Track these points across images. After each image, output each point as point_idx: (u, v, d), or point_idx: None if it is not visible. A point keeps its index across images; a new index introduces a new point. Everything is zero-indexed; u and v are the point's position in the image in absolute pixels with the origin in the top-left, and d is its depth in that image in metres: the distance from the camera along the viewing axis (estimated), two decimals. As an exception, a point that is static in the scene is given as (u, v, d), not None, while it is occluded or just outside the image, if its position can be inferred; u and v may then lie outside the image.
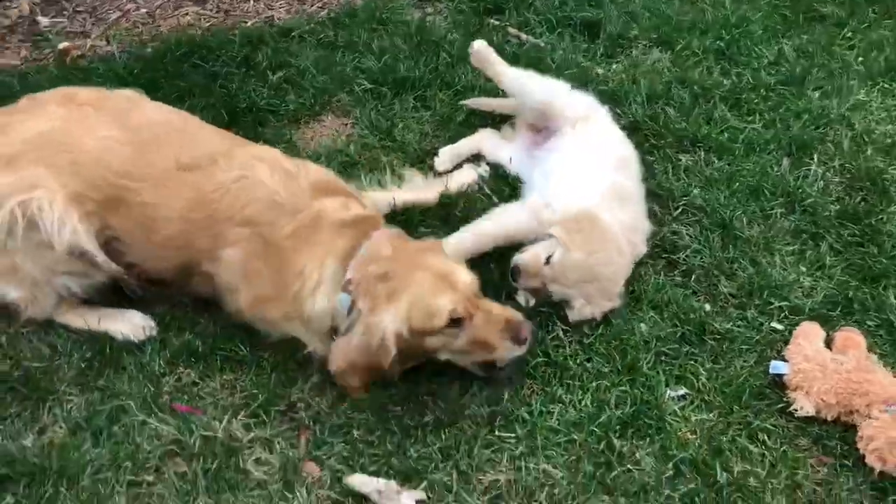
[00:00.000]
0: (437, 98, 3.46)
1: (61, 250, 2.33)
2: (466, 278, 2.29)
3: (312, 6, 4.26)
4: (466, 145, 3.19)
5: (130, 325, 2.52)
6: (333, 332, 2.34)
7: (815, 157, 3.13)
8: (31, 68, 3.83)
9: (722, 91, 3.44)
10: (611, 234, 2.51)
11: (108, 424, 2.28)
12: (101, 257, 2.40)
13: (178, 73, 3.62)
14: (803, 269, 2.73)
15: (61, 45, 3.90)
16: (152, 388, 2.38)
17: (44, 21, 4.16)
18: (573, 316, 2.52)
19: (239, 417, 2.32)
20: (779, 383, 2.40)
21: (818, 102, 3.37)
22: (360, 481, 2.12)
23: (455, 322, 2.22)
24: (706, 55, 3.66)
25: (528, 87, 3.07)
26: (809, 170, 3.08)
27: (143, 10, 4.24)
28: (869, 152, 3.15)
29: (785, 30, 3.80)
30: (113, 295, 2.57)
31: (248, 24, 4.08)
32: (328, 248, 2.34)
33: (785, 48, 3.67)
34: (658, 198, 2.99)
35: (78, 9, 4.26)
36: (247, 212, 2.37)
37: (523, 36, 3.88)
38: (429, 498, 2.14)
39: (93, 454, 2.21)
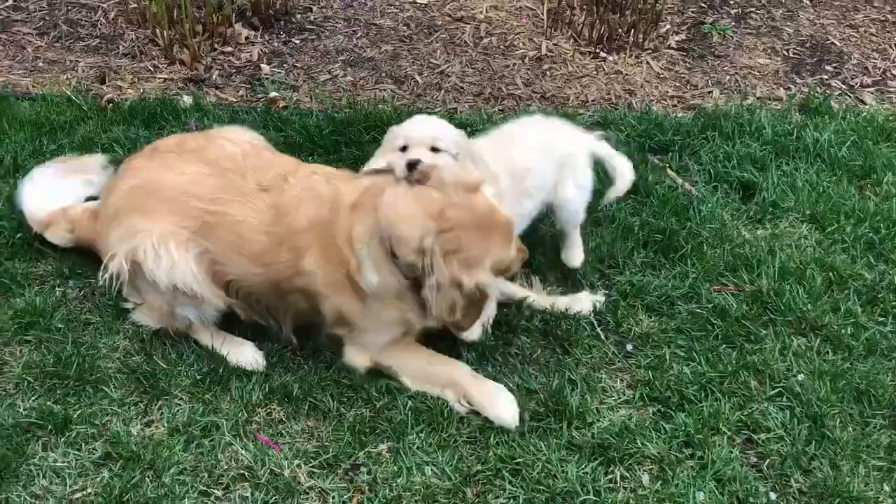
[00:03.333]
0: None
1: (165, 288, 2.72)
2: (509, 219, 2.72)
3: (493, 107, 4.63)
4: None
5: (243, 356, 2.86)
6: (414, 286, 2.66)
7: (939, 376, 3.03)
8: (243, 108, 4.41)
9: (860, 284, 3.41)
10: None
11: (200, 435, 2.61)
12: (199, 287, 2.73)
13: (359, 141, 4.05)
14: (887, 488, 2.66)
15: (272, 94, 4.47)
16: (245, 415, 2.70)
17: (265, 69, 4.78)
18: None
19: (308, 464, 2.58)
20: None
21: (961, 320, 3.26)
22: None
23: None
24: (856, 244, 3.63)
25: None
26: (928, 388, 2.99)
27: (349, 79, 4.77)
28: None
29: (950, 237, 3.70)
30: (237, 326, 2.94)
31: (434, 111, 4.49)
32: (347, 230, 2.68)
33: (943, 257, 3.57)
34: (758, 373, 3.01)
35: (297, 65, 4.85)
36: (308, 219, 2.71)
37: (679, 180, 4.02)
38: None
39: (180, 457, 2.55)
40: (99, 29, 4.96)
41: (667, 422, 2.80)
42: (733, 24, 5.56)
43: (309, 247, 2.70)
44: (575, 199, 3.28)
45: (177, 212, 2.75)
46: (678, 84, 4.93)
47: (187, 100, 4.31)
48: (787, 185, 3.96)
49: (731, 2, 5.67)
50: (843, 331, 3.19)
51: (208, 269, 2.77)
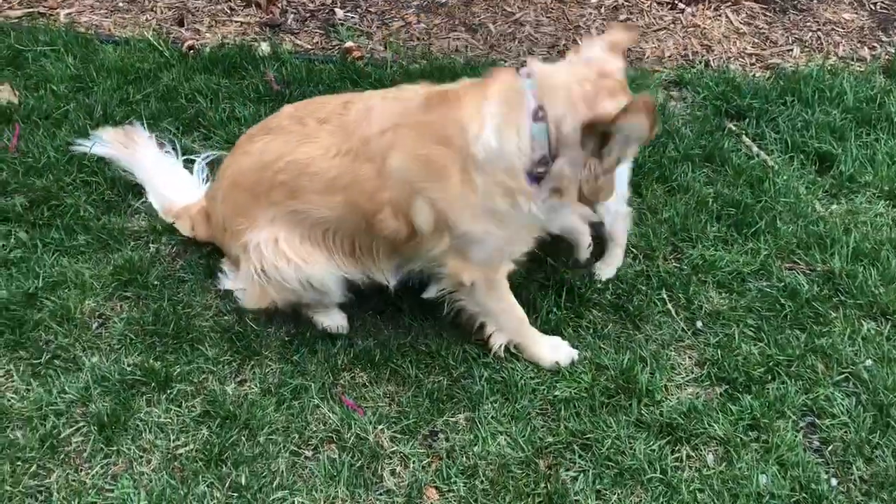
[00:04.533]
0: (651, 189, 3.68)
1: (296, 287, 2.81)
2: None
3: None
4: None
5: (330, 319, 3.00)
6: (539, 169, 2.52)
7: None
8: (319, 56, 4.44)
9: (935, 268, 3.40)
10: None
11: (290, 397, 2.78)
12: (324, 280, 2.79)
13: (434, 97, 4.06)
14: (947, 480, 2.74)
15: (347, 44, 4.48)
16: (331, 378, 2.85)
17: (339, 14, 4.78)
18: None
19: (390, 429, 2.74)
20: (873, 583, 2.47)
21: None
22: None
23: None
24: (934, 225, 3.60)
25: None
26: None
27: (422, 26, 4.75)
28: None
29: None
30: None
31: (506, 63, 4.47)
32: (475, 98, 2.53)
33: None
34: (826, 357, 3.06)
35: (370, 9, 4.84)
36: (384, 122, 2.60)
37: (755, 148, 3.98)
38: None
39: (273, 417, 2.72)
40: (175, -33, 4.97)
41: (733, 403, 2.89)
42: (821, -28, 5.35)
43: (392, 145, 2.58)
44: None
45: (259, 195, 2.74)
46: (757, 40, 4.81)
47: (265, 47, 4.35)
48: (867, 159, 3.90)
49: (820, -51, 5.42)
50: (913, 317, 3.21)
51: (306, 232, 2.75)
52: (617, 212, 3.20)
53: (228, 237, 2.91)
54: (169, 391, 2.76)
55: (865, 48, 4.81)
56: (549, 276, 3.28)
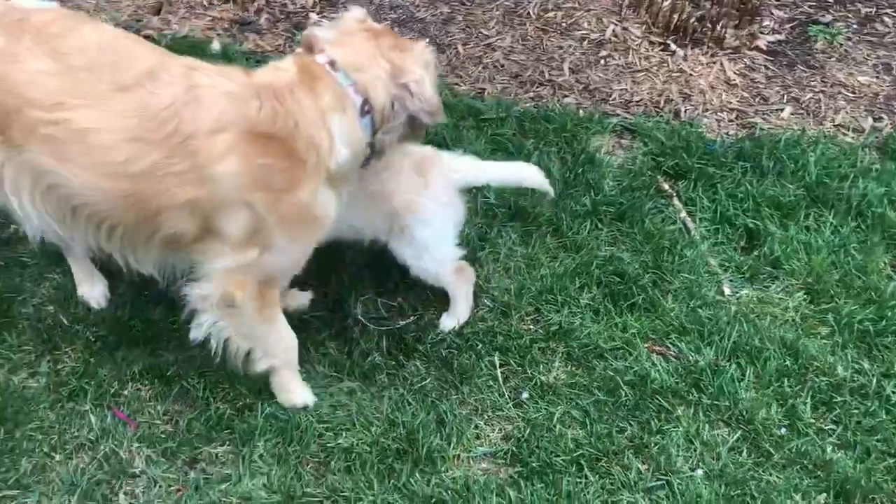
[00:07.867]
0: (541, 241, 3.44)
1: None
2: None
3: (525, 93, 4.35)
4: None
5: (94, 288, 3.06)
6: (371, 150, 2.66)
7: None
8: (274, 57, 4.42)
9: (825, 380, 2.98)
10: None
11: (66, 397, 2.78)
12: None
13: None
14: None
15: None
16: (117, 386, 2.84)
17: (313, 18, 4.75)
18: None
19: (150, 448, 2.69)
20: None
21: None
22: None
23: None
24: (846, 329, 3.16)
25: None
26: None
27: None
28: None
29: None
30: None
31: (458, 87, 4.30)
32: (317, 107, 2.47)
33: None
34: (650, 458, 2.75)
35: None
36: (218, 119, 2.35)
37: (682, 213, 3.64)
38: None
39: (42, 415, 2.72)
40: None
41: (515, 489, 2.65)
42: (855, 26, 4.83)
43: (228, 150, 2.35)
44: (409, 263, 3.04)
45: (10, 123, 2.37)
46: (747, 95, 4.39)
47: (216, 45, 4.39)
48: (802, 243, 3.47)
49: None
50: (772, 431, 2.83)
51: (46, 194, 2.47)
52: (440, 261, 3.01)
53: None
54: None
55: (870, 118, 4.29)
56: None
